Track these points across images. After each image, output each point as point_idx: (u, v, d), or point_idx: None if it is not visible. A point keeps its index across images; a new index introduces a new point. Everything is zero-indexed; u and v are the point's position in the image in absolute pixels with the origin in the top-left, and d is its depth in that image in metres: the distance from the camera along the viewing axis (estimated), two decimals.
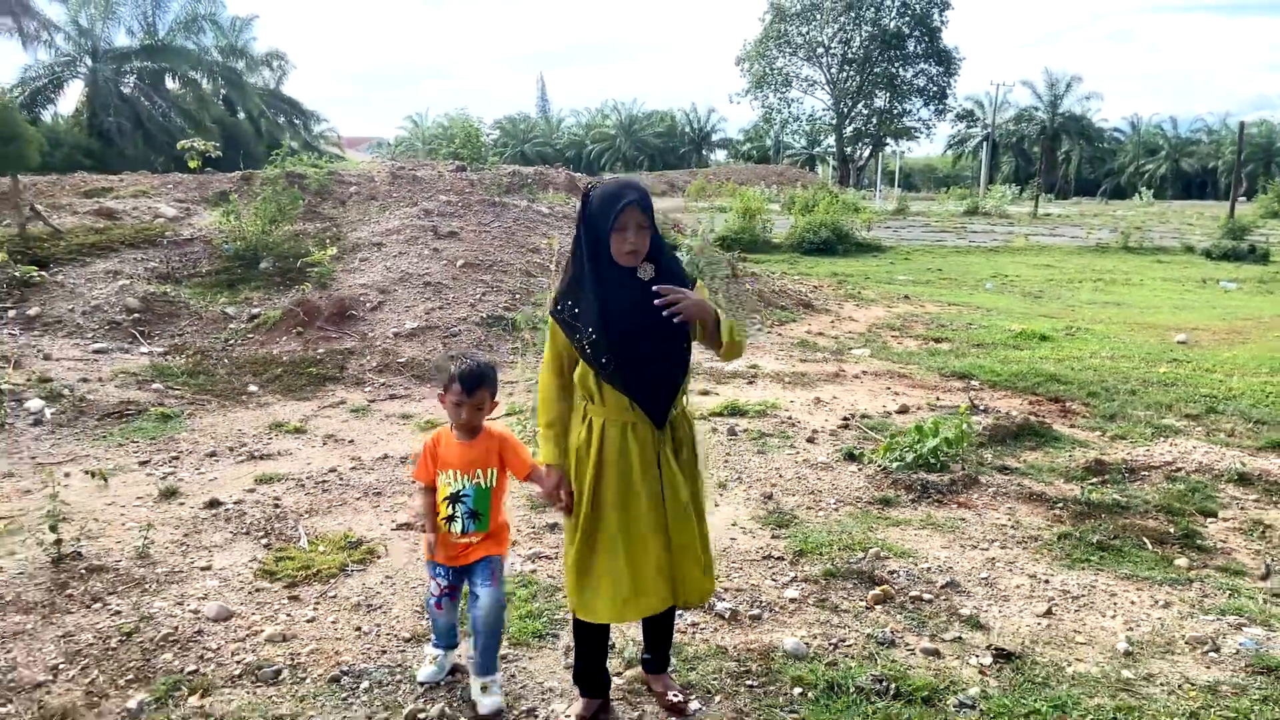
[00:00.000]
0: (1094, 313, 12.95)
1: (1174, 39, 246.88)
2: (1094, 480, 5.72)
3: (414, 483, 5.62)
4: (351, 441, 6.48)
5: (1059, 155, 76.87)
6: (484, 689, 3.18)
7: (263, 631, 3.72)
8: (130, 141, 43.04)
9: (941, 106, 65.00)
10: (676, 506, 2.92)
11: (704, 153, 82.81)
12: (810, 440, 6.52)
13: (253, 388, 7.68)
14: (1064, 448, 6.45)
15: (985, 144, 64.20)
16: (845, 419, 7.09)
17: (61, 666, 3.46)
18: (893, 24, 61.68)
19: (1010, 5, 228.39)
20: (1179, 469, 5.93)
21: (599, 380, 2.87)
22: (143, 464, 5.99)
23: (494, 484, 3.19)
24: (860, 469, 5.84)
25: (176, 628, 3.74)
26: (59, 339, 8.49)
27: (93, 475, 5.46)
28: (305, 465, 5.96)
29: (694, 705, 3.23)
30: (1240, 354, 9.88)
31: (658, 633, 3.25)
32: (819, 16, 61.97)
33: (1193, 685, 3.43)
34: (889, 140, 67.26)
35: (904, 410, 7.37)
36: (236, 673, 3.42)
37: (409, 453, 6.19)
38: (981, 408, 7.39)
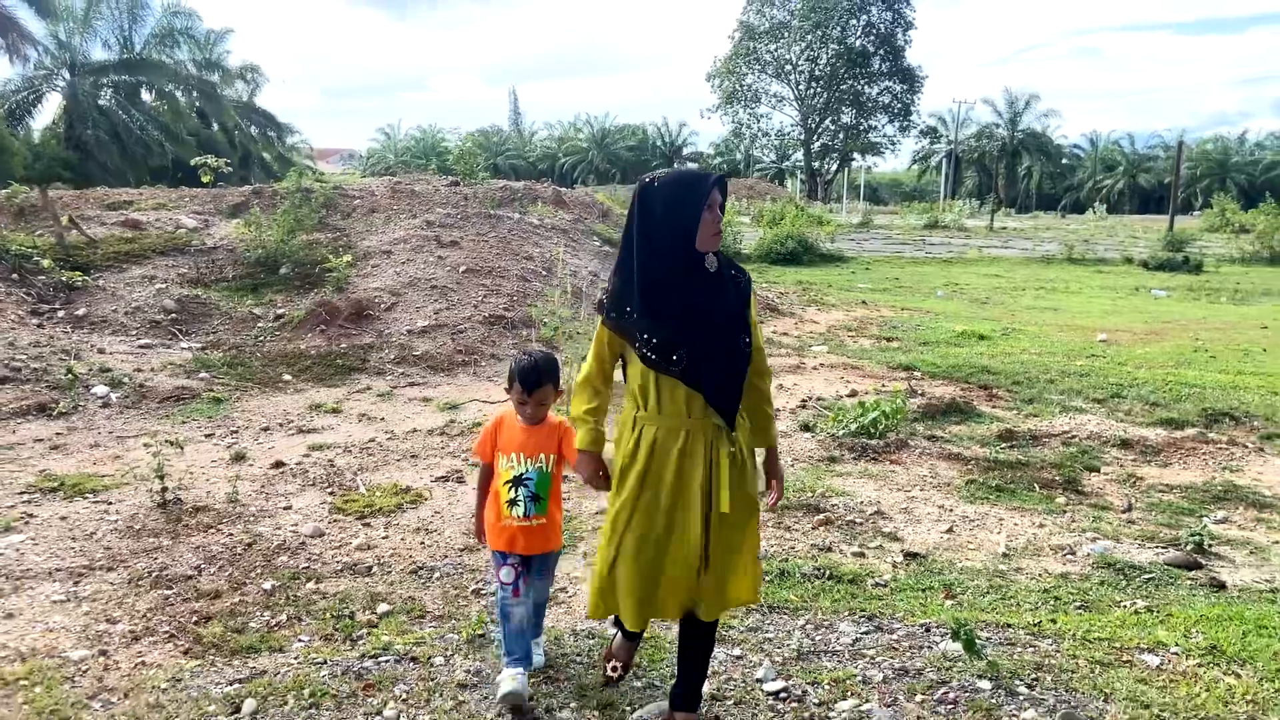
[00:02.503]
0: (1031, 316, 14.30)
1: (1140, 57, 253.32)
2: (1003, 445, 6.96)
3: (444, 448, 6.77)
4: (383, 419, 7.58)
5: (1020, 171, 79.21)
6: (513, 678, 3.19)
7: (351, 543, 4.85)
8: (108, 154, 43.61)
9: (906, 123, 66.94)
10: (719, 514, 2.81)
11: (675, 166, 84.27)
12: None
13: (287, 376, 8.76)
14: (984, 422, 7.69)
15: (947, 160, 66.11)
16: (803, 401, 8.30)
17: (202, 567, 4.56)
18: (858, 43, 63.53)
19: (982, 22, 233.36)
20: (1074, 436, 7.19)
21: (658, 385, 2.79)
22: (208, 436, 7.07)
23: (553, 469, 3.28)
24: (813, 436, 7.05)
25: (284, 541, 4.85)
26: (106, 336, 9.52)
27: (171, 443, 6.52)
28: (347, 436, 7.06)
29: None
30: (1152, 351, 11.23)
31: (693, 660, 3.04)
32: (787, 35, 63.72)
33: (1050, 574, 4.64)
34: (856, 155, 69.09)
35: (853, 394, 8.58)
36: (338, 569, 4.55)
37: (434, 427, 7.31)
38: (919, 393, 8.62)
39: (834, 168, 69.75)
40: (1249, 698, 3.32)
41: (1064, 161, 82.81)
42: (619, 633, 3.23)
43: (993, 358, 10.49)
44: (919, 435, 7.17)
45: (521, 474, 3.26)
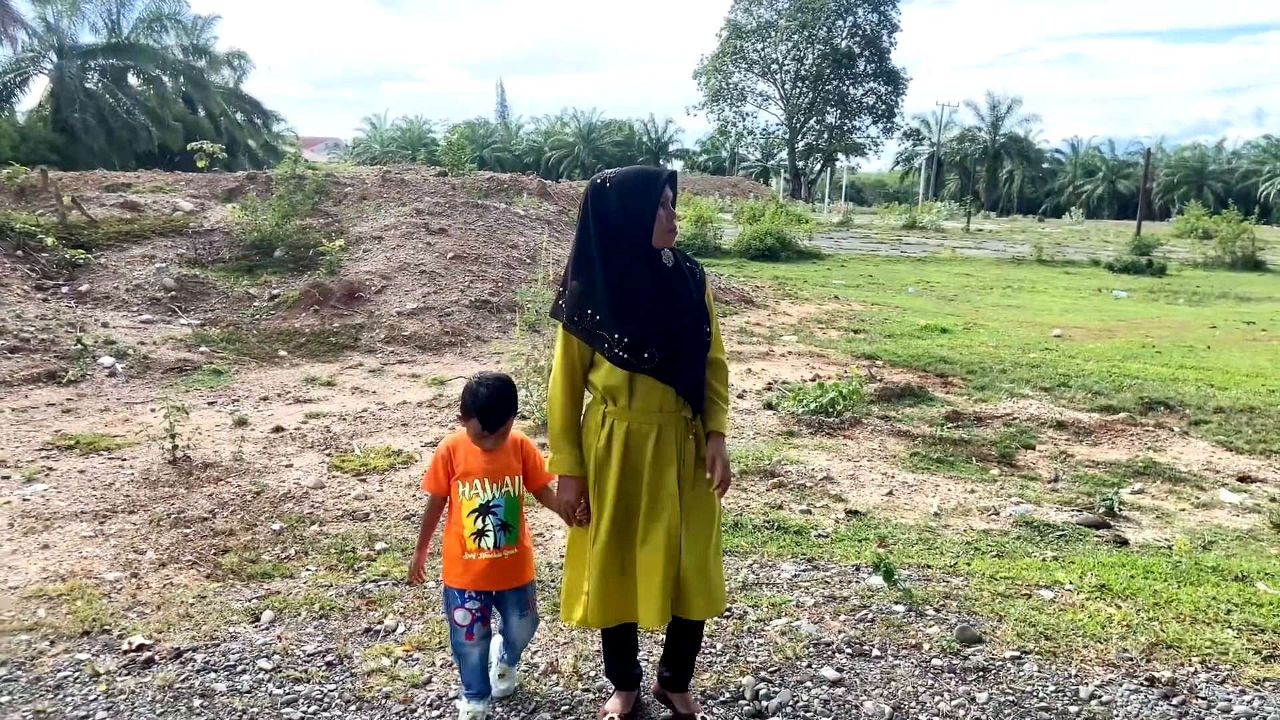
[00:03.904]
0: (995, 313, 14.93)
1: (1121, 63, 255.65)
2: (949, 424, 7.55)
3: (432, 418, 7.27)
4: (374, 392, 8.09)
5: (1002, 174, 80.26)
6: (501, 675, 3.22)
7: (349, 495, 5.37)
8: (95, 138, 43.73)
9: (889, 124, 67.91)
10: (693, 507, 2.89)
11: (661, 163, 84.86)
12: (740, 396, 8.27)
13: (282, 352, 9.25)
14: (935, 405, 8.27)
15: (927, 162, 67.02)
16: (769, 384, 8.86)
17: (216, 511, 5.07)
18: (844, 44, 64.35)
19: (967, 26, 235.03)
20: (1015, 418, 7.79)
21: (630, 381, 2.80)
22: (210, 404, 7.56)
23: (520, 491, 3.06)
24: (774, 413, 7.61)
25: (289, 491, 5.37)
26: (109, 311, 9.97)
27: (177, 409, 7.01)
28: (342, 406, 7.57)
29: None
30: (1103, 346, 11.87)
31: (682, 648, 3.09)
32: (773, 34, 64.43)
33: (973, 530, 5.22)
34: (839, 155, 69.92)
35: (815, 379, 9.14)
36: (339, 514, 5.07)
37: (423, 400, 7.83)
38: (879, 379, 9.20)
39: (818, 167, 70.55)
40: (1124, 623, 3.90)
41: (1045, 166, 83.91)
42: (615, 690, 3.18)
43: (952, 349, 11.09)
44: (873, 415, 7.74)
45: (488, 501, 2.98)
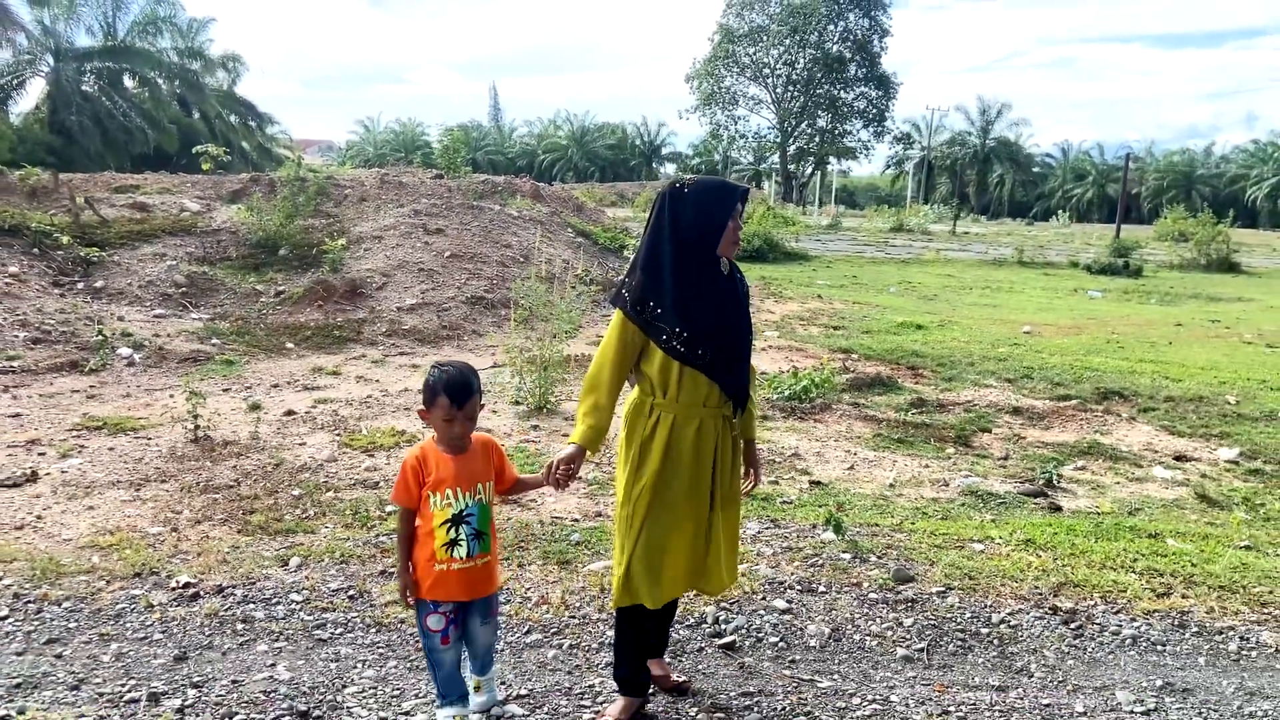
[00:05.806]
0: (970, 311, 15.53)
1: (1112, 68, 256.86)
2: (913, 410, 8.13)
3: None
4: (377, 380, 8.64)
5: (993, 178, 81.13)
6: (477, 688, 3.15)
7: (360, 467, 5.93)
8: (91, 139, 44.18)
9: (880, 129, 68.53)
10: (726, 499, 3.10)
11: (654, 165, 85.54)
12: None
13: (289, 345, 9.80)
14: (904, 394, 8.85)
15: (917, 165, 67.76)
16: None
17: (240, 480, 5.62)
18: (835, 48, 64.99)
19: (958, 31, 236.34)
20: (975, 405, 8.37)
21: (680, 375, 2.97)
22: (225, 391, 8.10)
23: (491, 498, 3.02)
24: None
25: (305, 463, 5.92)
26: (124, 306, 10.51)
27: (195, 394, 7.56)
28: (348, 393, 8.12)
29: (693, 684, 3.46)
30: (1069, 342, 12.46)
31: (668, 617, 3.37)
32: (765, 39, 65.06)
33: (923, 498, 5.79)
34: (831, 159, 70.63)
35: (794, 370, 9.71)
36: (351, 483, 5.62)
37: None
38: (852, 370, 9.78)
39: (809, 170, 71.27)
40: (1040, 568, 4.48)
41: (1035, 170, 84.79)
42: (621, 696, 3.23)
43: (925, 344, 11.67)
44: (844, 402, 8.32)
45: (462, 510, 2.92)
